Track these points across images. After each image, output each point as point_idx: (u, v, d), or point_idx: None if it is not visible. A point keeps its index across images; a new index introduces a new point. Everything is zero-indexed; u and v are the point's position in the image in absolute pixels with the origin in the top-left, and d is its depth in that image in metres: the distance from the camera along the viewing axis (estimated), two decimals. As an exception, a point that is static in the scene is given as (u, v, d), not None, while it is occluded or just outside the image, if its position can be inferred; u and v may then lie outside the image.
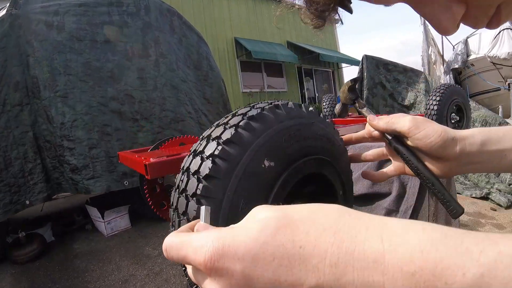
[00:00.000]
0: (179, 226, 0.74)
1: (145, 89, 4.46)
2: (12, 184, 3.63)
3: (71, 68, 3.94)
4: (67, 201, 5.96)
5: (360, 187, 1.37)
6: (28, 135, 3.79)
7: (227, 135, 0.72)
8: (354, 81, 1.00)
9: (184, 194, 0.72)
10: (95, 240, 4.68)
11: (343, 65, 20.89)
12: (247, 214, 0.59)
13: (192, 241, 0.41)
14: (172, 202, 0.77)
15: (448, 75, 11.62)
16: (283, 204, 0.86)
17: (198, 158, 0.73)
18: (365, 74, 6.75)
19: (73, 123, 3.85)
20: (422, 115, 2.54)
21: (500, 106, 9.98)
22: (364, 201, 1.40)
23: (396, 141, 0.82)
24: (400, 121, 0.80)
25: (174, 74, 4.83)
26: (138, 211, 4.97)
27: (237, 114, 0.78)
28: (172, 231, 0.74)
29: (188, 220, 0.70)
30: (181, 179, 0.75)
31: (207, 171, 0.69)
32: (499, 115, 6.62)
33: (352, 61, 19.14)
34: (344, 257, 0.34)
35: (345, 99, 1.02)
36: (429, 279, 0.30)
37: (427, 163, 0.80)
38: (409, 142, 0.80)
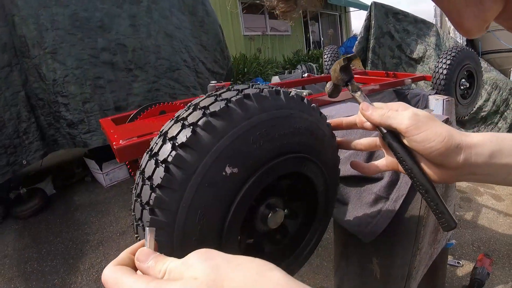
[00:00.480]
0: (137, 230, 0.69)
1: (138, 37, 4.28)
2: (7, 146, 3.63)
3: (58, 22, 3.77)
4: (67, 153, 5.97)
5: (350, 167, 1.30)
6: (20, 95, 3.73)
7: (182, 137, 0.63)
8: (348, 59, 0.87)
9: (139, 199, 0.66)
10: (95, 192, 4.74)
11: (351, 9, 20.06)
12: (204, 224, 0.63)
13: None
14: (131, 205, 0.71)
15: (457, 39, 11.18)
16: (254, 203, 0.80)
17: (152, 162, 0.65)
18: (372, 22, 6.38)
19: (64, 78, 3.75)
20: (429, 77, 2.39)
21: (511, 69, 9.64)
22: (353, 183, 1.33)
23: (391, 136, 0.73)
24: (398, 117, 0.69)
25: (168, 21, 4.62)
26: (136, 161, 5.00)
27: (198, 106, 0.69)
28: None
29: (143, 228, 0.65)
30: (137, 182, 0.68)
31: (159, 181, 0.62)
32: (510, 79, 6.35)
33: (360, 5, 18.24)
34: None
35: (337, 80, 0.89)
36: None
37: (424, 166, 0.70)
38: (405, 141, 0.70)
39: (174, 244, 0.64)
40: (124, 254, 0.50)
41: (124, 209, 4.19)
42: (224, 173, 0.65)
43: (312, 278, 2.84)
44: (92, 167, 4.87)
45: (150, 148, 0.69)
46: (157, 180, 0.62)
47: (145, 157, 0.69)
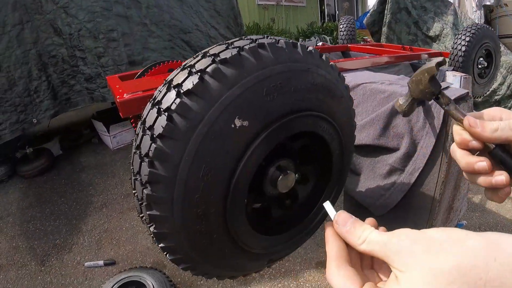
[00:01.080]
0: (135, 185, 0.63)
1: (151, -5, 4.18)
2: (18, 104, 3.62)
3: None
4: (75, 115, 5.94)
5: (365, 136, 1.23)
6: (31, 53, 3.67)
7: (188, 84, 0.57)
8: (439, 65, 0.74)
9: (138, 151, 0.60)
10: (101, 153, 4.73)
11: (368, -18, 19.46)
12: (209, 181, 0.58)
13: None
14: (130, 159, 0.65)
15: (479, 11, 10.84)
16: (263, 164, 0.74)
17: (154, 110, 0.59)
18: (389, -4, 6.22)
19: (79, 32, 3.70)
20: (447, 54, 2.29)
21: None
22: (368, 153, 1.26)
23: (501, 149, 0.61)
24: None
25: (177, -16, 4.50)
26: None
27: (208, 54, 0.62)
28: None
29: (142, 183, 0.59)
30: (137, 132, 0.62)
31: (160, 130, 0.56)
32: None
33: (379, -20, 17.74)
34: None
35: (421, 93, 0.75)
36: None
37: None
38: None
39: (173, 202, 0.58)
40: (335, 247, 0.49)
41: (129, 172, 4.15)
42: (233, 126, 0.58)
43: (315, 251, 2.82)
44: (100, 129, 4.83)
45: (153, 97, 0.63)
46: (158, 129, 0.56)
47: (148, 106, 0.63)
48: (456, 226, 1.75)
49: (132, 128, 4.83)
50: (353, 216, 0.49)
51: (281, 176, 0.73)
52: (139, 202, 0.62)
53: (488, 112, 0.63)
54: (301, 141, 0.82)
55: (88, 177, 4.16)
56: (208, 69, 0.58)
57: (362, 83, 1.35)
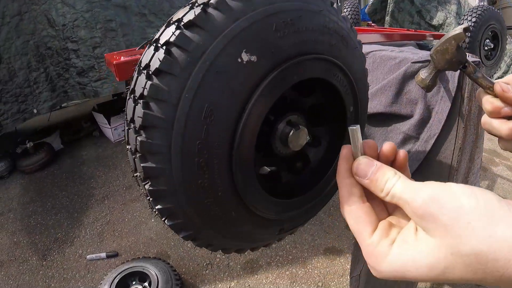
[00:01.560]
0: (128, 137, 0.56)
1: (150, -16, 4.17)
2: (18, 94, 3.63)
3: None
4: (75, 110, 5.90)
5: (376, 103, 1.16)
6: (30, 44, 3.68)
7: (190, 16, 0.51)
8: (466, 30, 0.67)
9: (132, 96, 0.53)
10: (102, 146, 4.68)
11: (371, -27, 19.43)
12: (213, 124, 0.52)
13: (365, 249, 0.43)
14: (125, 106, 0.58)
15: (483, 2, 10.78)
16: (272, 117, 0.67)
17: (152, 48, 0.53)
18: (390, -16, 6.20)
19: (74, 22, 3.67)
20: None
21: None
22: (379, 122, 1.19)
23: None
24: None
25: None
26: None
27: None
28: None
29: (135, 130, 0.52)
30: (132, 76, 0.55)
31: (157, 64, 0.49)
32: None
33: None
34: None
35: (448, 63, 0.69)
36: None
37: None
38: None
39: (172, 151, 0.51)
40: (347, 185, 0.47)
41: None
42: (239, 60, 0.52)
43: (323, 238, 2.76)
44: (101, 121, 4.78)
45: (153, 37, 0.56)
46: (154, 65, 0.50)
47: (146, 48, 0.56)
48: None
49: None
50: (375, 162, 0.45)
51: (292, 131, 0.66)
52: (133, 156, 0.55)
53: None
54: (313, 97, 0.75)
55: (89, 170, 4.11)
56: (212, 1, 0.53)
57: (371, 51, 1.28)
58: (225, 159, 0.54)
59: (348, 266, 2.45)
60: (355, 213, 0.45)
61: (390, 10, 6.15)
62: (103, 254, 2.77)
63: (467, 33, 0.57)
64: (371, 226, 0.44)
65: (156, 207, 0.56)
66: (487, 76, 0.64)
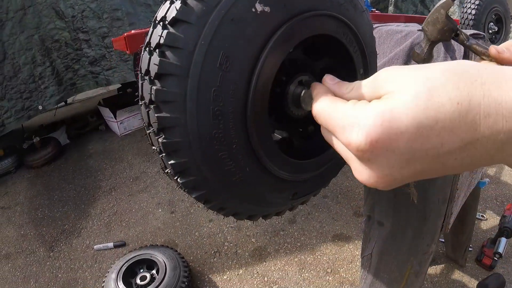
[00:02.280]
0: (142, 90, 0.56)
1: (154, -24, 4.21)
2: (23, 91, 3.62)
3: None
4: (81, 106, 5.94)
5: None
6: (34, 39, 3.66)
7: None
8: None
9: (147, 48, 0.53)
10: (109, 140, 4.71)
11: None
12: (228, 71, 0.52)
13: (342, 118, 0.41)
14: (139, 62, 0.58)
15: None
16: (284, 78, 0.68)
17: (167, 2, 0.54)
18: (394, -27, 6.20)
19: (82, 13, 3.69)
20: (457, 21, 2.24)
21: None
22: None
23: None
24: None
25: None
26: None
27: None
28: (137, 101, 0.56)
29: (150, 80, 0.52)
30: (147, 32, 0.56)
31: (174, 14, 0.50)
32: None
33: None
34: (495, 107, 0.33)
35: (439, 33, 0.69)
36: None
37: None
38: None
39: (187, 98, 0.51)
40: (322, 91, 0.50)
41: (138, 156, 4.15)
42: (253, 10, 0.53)
43: (331, 225, 2.76)
44: (106, 115, 4.81)
45: None
46: (171, 15, 0.51)
47: (161, 5, 0.57)
48: (478, 185, 1.68)
49: (138, 114, 4.81)
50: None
51: (304, 90, 0.66)
52: (147, 109, 0.55)
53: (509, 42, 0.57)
54: (323, 62, 0.76)
55: (96, 163, 4.14)
56: None
57: (377, 26, 1.29)
58: (239, 109, 0.55)
59: (357, 253, 2.46)
60: (330, 98, 0.47)
61: (393, 1, 6.15)
62: (110, 244, 2.79)
63: (454, 1, 0.58)
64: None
65: (169, 162, 0.57)
66: (480, 43, 0.65)
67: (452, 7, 6.03)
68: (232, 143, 0.56)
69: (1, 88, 3.49)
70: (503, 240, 2.34)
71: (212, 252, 2.62)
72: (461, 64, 0.36)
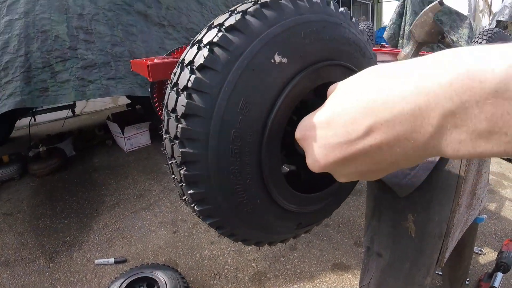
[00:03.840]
0: (167, 126, 0.62)
1: (172, -4, 4.14)
2: None
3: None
4: (89, 118, 6.01)
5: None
6: (17, 23, 3.11)
7: (231, 20, 0.59)
8: (441, 3, 0.71)
9: (175, 88, 0.60)
10: (115, 155, 4.76)
11: (384, -1, 19.76)
12: (247, 115, 0.59)
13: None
14: (164, 99, 0.65)
15: (492, 25, 10.90)
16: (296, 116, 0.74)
17: (194, 48, 0.60)
18: (407, 8, 6.32)
19: (93, 16, 3.48)
20: None
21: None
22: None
23: None
24: None
25: (199, -12, 4.51)
26: (159, 129, 5.12)
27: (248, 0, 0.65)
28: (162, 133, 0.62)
29: (177, 119, 0.58)
30: (174, 72, 0.62)
31: (201, 61, 0.57)
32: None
33: (394, -4, 17.99)
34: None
35: (427, 35, 0.73)
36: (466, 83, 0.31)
37: None
38: None
39: (209, 137, 0.57)
40: None
41: (143, 174, 4.20)
42: (272, 61, 0.59)
43: (331, 253, 2.78)
44: (114, 130, 4.88)
45: (193, 39, 0.64)
46: (199, 61, 0.57)
47: (187, 48, 0.63)
48: (475, 221, 1.72)
49: (146, 131, 4.88)
50: None
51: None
52: (171, 143, 0.61)
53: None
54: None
55: (101, 177, 4.18)
56: (250, 9, 0.61)
57: (379, 61, 1.35)
58: (255, 148, 0.61)
59: (355, 282, 2.47)
60: None
61: (404, 33, 6.26)
62: (111, 260, 2.80)
63: (442, 5, 0.61)
64: None
65: (189, 192, 0.62)
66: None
67: (460, 43, 6.14)
68: (247, 178, 0.62)
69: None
70: (500, 275, 2.37)
71: (213, 274, 2.63)
72: (379, 65, 0.43)
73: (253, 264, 2.70)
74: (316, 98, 0.80)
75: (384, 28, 12.29)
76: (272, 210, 0.71)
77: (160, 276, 2.30)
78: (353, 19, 0.79)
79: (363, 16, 16.68)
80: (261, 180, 0.64)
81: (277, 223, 0.75)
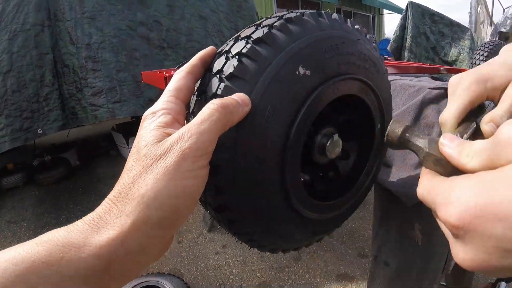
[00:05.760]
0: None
1: (172, 18, 4.28)
2: (24, 108, 3.34)
3: (101, -10, 3.74)
4: (93, 128, 6.04)
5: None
6: (47, 58, 3.52)
7: (258, 33, 0.63)
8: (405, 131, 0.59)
9: (203, 95, 0.63)
10: (119, 165, 4.77)
11: (385, 11, 19.95)
12: (272, 123, 0.60)
13: (441, 193, 0.37)
14: (190, 106, 0.68)
15: (495, 38, 10.99)
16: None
17: (222, 58, 0.63)
18: (409, 21, 6.42)
19: (100, 44, 3.68)
20: (465, 70, 2.37)
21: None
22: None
23: None
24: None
25: (204, 4, 4.62)
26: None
27: (271, 15, 0.68)
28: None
29: None
30: (201, 81, 0.66)
31: (231, 70, 0.60)
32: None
33: (395, 8, 18.19)
34: None
35: (397, 140, 0.60)
36: None
37: None
38: None
39: (237, 142, 0.61)
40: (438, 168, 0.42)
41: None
42: (297, 72, 0.62)
43: (335, 264, 2.79)
44: (119, 141, 4.91)
45: (219, 50, 0.67)
46: (228, 70, 0.60)
47: (214, 58, 0.67)
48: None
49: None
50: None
51: (329, 141, 0.76)
52: None
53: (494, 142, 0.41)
54: (345, 115, 0.85)
55: (105, 188, 4.19)
56: (276, 24, 0.64)
57: (392, 80, 1.39)
58: (277, 156, 0.64)
59: (359, 293, 2.50)
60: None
61: (407, 44, 6.36)
62: (116, 268, 2.81)
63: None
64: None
65: (213, 199, 0.65)
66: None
67: (461, 54, 6.22)
68: (269, 185, 0.65)
69: (0, 101, 3.23)
70: (503, 285, 2.39)
71: (217, 284, 2.64)
72: None
73: (257, 274, 2.72)
74: (330, 109, 0.84)
75: (386, 40, 12.43)
76: (290, 218, 0.74)
77: (166, 285, 2.32)
78: (368, 36, 0.83)
79: (365, 29, 16.83)
80: (282, 187, 0.68)
81: (294, 230, 0.78)
